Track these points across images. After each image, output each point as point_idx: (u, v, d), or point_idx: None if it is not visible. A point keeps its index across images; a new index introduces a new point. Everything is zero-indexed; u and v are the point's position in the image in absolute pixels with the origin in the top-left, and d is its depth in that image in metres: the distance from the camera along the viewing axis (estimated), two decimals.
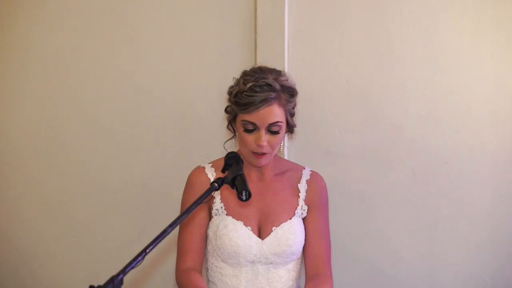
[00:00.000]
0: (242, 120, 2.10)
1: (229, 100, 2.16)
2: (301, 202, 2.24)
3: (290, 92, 2.13)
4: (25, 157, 2.91)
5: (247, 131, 2.10)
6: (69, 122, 2.87)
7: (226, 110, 2.20)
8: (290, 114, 2.15)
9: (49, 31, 2.85)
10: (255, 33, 2.63)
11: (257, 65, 2.23)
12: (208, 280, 2.26)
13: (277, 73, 2.15)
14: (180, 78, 2.77)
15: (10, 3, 2.86)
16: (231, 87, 2.17)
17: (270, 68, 2.17)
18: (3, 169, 2.94)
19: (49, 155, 2.89)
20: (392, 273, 2.63)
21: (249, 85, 2.07)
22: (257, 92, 2.06)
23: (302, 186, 2.26)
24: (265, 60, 2.45)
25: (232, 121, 2.19)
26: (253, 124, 2.08)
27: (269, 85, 2.07)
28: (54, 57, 2.85)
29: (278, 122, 2.09)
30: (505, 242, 2.53)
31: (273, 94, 2.07)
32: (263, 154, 2.13)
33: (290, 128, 2.19)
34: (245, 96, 2.07)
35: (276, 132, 2.11)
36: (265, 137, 2.09)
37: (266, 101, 2.06)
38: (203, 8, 2.72)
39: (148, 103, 2.80)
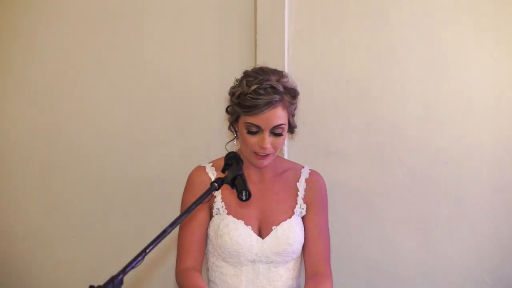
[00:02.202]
0: (246, 122, 2.09)
1: (231, 101, 2.15)
2: (300, 201, 2.25)
3: (292, 94, 2.14)
4: (25, 157, 2.91)
5: (251, 133, 2.10)
6: (69, 122, 2.87)
7: (227, 111, 2.20)
8: (291, 115, 2.16)
9: (49, 32, 2.85)
10: (255, 33, 2.63)
11: (258, 66, 2.23)
12: (209, 280, 2.26)
13: (279, 74, 2.14)
14: (180, 78, 2.77)
15: (10, 4, 2.85)
16: (233, 88, 2.16)
17: (272, 69, 2.17)
18: (3, 169, 2.94)
19: (49, 155, 2.89)
20: (392, 273, 2.63)
21: (253, 87, 2.06)
22: (262, 95, 2.06)
23: (301, 185, 2.26)
24: (265, 60, 2.45)
25: (234, 122, 2.19)
26: (257, 126, 2.08)
27: (273, 87, 2.07)
28: (53, 57, 2.85)
29: (281, 124, 2.10)
30: (505, 242, 2.53)
31: (277, 97, 2.07)
32: (266, 155, 2.13)
33: (291, 129, 2.19)
34: (249, 98, 2.06)
35: (280, 134, 2.11)
36: (268, 139, 2.09)
37: (270, 104, 2.06)
38: (203, 8, 2.72)
39: (148, 103, 2.80)
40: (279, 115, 2.08)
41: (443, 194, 2.56)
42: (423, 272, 2.61)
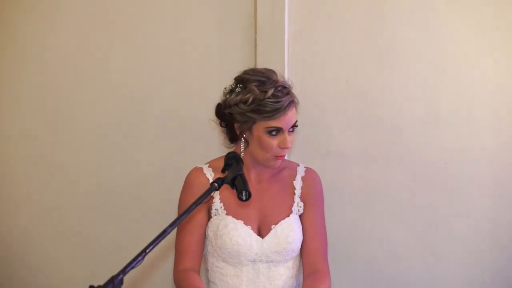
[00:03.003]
0: (267, 127, 2.09)
1: (240, 108, 2.10)
2: (297, 199, 2.25)
3: (292, 89, 2.16)
4: (24, 158, 2.91)
5: (272, 135, 2.10)
6: (67, 123, 2.87)
7: (236, 119, 2.14)
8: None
9: (49, 32, 2.85)
10: (255, 33, 2.63)
11: (249, 68, 2.22)
12: (209, 281, 2.26)
13: (275, 73, 2.17)
14: (180, 78, 2.77)
15: (10, 4, 2.85)
16: (237, 95, 2.11)
17: (266, 69, 2.18)
18: (3, 169, 2.94)
19: (48, 155, 2.89)
20: (392, 273, 2.63)
21: (270, 91, 2.07)
22: (280, 97, 2.08)
23: (297, 183, 2.27)
24: (265, 59, 2.46)
25: (245, 130, 2.14)
26: (279, 128, 2.09)
27: (284, 87, 2.11)
28: (52, 57, 2.85)
29: (297, 120, 2.14)
30: (505, 242, 2.53)
31: (290, 97, 2.11)
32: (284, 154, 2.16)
33: None
34: (269, 103, 2.06)
35: (293, 130, 2.15)
36: (289, 138, 2.12)
37: (291, 104, 2.10)
38: (203, 8, 2.72)
39: (148, 103, 2.80)
40: (295, 113, 2.13)
41: (443, 194, 2.56)
42: (423, 272, 2.61)
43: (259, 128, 2.11)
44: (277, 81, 2.11)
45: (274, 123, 2.09)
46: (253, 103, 2.08)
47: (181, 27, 2.75)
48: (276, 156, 2.14)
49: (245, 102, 2.10)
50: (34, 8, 2.85)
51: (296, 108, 2.15)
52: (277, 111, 2.07)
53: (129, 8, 2.79)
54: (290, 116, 2.10)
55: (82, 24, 2.82)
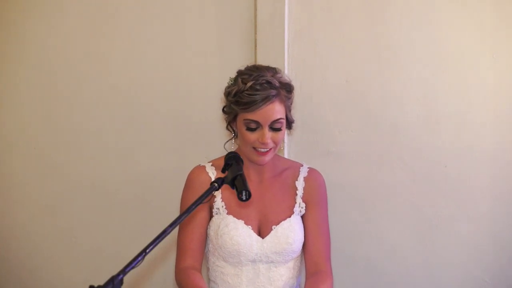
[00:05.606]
0: (245, 119, 2.11)
1: (228, 100, 2.16)
2: (299, 200, 2.25)
3: (287, 89, 2.16)
4: (23, 157, 2.91)
5: (250, 129, 2.11)
6: (67, 123, 2.87)
7: (224, 111, 2.21)
8: (289, 109, 2.17)
9: (49, 32, 2.85)
10: (255, 33, 2.63)
11: (251, 64, 2.24)
12: (209, 280, 2.26)
13: (273, 71, 2.16)
14: (180, 77, 2.77)
15: (10, 4, 2.85)
16: (228, 87, 2.17)
17: (265, 66, 2.19)
18: (3, 169, 2.94)
19: (47, 155, 2.89)
20: (392, 273, 2.63)
21: (249, 84, 2.08)
22: (258, 90, 2.07)
23: (300, 184, 2.27)
24: (265, 59, 2.46)
25: (231, 121, 2.20)
26: (256, 122, 2.10)
27: (269, 82, 2.09)
28: (53, 57, 2.85)
29: (280, 119, 2.12)
30: (505, 242, 2.53)
31: (274, 92, 2.09)
32: (267, 151, 2.13)
33: (289, 124, 2.20)
34: (246, 95, 2.08)
35: (279, 129, 2.13)
36: (268, 134, 2.11)
37: (268, 99, 2.08)
38: (203, 8, 2.72)
39: (148, 103, 2.80)
40: (277, 110, 2.10)
41: (443, 194, 2.56)
42: (423, 272, 2.61)
43: (240, 120, 2.13)
44: (263, 76, 2.10)
45: (250, 116, 2.09)
46: (235, 95, 2.11)
47: (181, 27, 2.75)
48: (257, 151, 2.14)
49: (229, 94, 2.14)
50: (34, 8, 2.85)
51: (284, 106, 2.13)
52: (251, 104, 2.07)
53: (129, 8, 2.79)
54: (268, 112, 2.09)
55: (82, 25, 2.82)
